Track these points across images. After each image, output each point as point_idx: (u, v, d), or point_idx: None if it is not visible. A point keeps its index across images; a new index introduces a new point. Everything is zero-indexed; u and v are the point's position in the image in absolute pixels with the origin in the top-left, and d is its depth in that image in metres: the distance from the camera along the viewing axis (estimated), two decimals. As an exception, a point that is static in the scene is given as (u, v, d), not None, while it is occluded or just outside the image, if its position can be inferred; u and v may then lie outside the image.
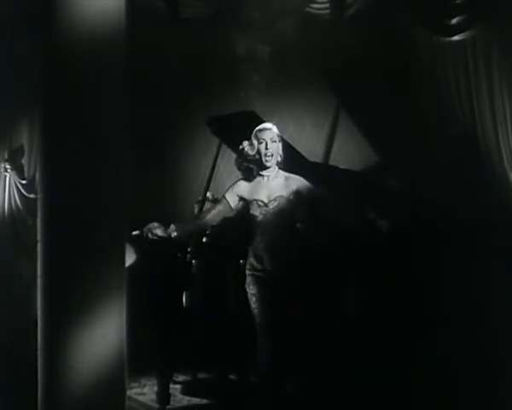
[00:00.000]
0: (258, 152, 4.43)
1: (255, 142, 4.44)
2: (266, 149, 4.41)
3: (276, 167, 4.47)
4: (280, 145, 4.47)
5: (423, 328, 4.93)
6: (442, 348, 4.95)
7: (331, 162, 6.13)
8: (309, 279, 4.35)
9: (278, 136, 4.47)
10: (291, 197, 4.40)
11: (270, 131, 4.44)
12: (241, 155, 4.49)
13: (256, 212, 4.43)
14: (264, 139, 4.42)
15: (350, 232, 4.84)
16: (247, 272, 4.42)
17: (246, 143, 4.47)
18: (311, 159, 5.11)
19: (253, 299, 4.39)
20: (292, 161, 4.58)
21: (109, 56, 3.67)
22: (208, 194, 5.61)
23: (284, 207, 4.38)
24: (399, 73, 5.86)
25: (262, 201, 4.42)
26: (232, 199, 4.50)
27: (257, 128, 4.46)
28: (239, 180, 4.55)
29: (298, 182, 4.45)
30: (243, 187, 4.51)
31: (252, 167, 4.50)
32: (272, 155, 4.42)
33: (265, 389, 4.37)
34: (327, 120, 6.27)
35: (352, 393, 4.61)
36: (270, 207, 4.41)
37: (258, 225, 4.44)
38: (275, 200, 4.42)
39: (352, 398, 4.59)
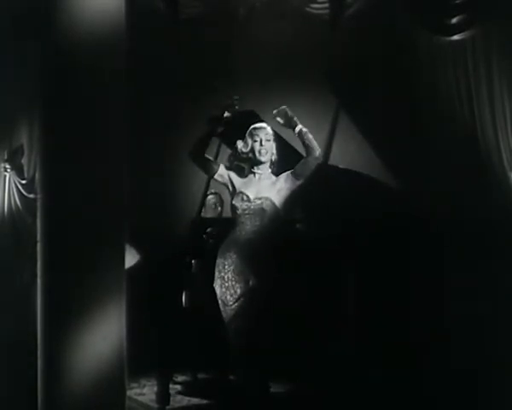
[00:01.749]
0: (252, 149, 4.50)
1: (249, 140, 4.51)
2: (261, 145, 4.48)
3: (269, 169, 4.52)
4: (274, 145, 4.53)
5: (422, 328, 4.93)
6: (441, 348, 4.94)
7: (331, 162, 6.13)
8: (275, 286, 4.38)
9: (273, 136, 4.52)
10: (275, 199, 4.44)
11: (264, 130, 4.52)
12: (235, 152, 4.55)
13: (238, 204, 4.49)
14: (258, 136, 4.49)
15: (345, 232, 4.85)
16: (216, 273, 4.46)
17: (241, 144, 4.52)
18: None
19: (219, 301, 4.43)
20: (292, 161, 4.59)
21: (109, 56, 3.67)
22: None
23: (267, 209, 4.43)
24: (399, 72, 5.85)
25: (247, 196, 4.48)
26: (222, 171, 4.56)
27: (252, 127, 4.54)
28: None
29: (285, 177, 4.48)
30: (236, 177, 4.58)
31: (243, 166, 4.56)
32: (267, 152, 4.49)
33: (240, 389, 4.42)
34: (327, 121, 6.25)
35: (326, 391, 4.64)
36: (253, 204, 4.45)
37: (235, 219, 4.50)
38: (260, 199, 4.46)
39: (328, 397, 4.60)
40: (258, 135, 4.49)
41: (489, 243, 5.15)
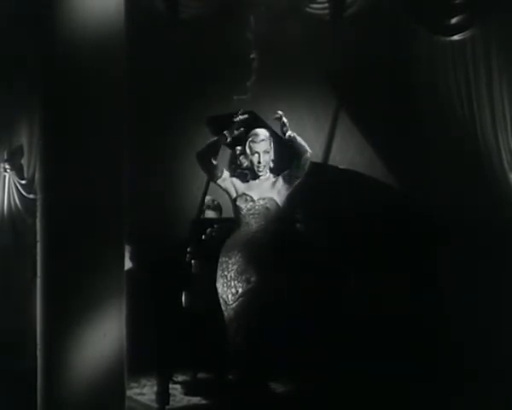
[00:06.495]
0: (251, 162, 4.59)
1: (248, 152, 4.58)
2: (259, 162, 4.57)
3: (268, 173, 4.63)
4: (272, 152, 4.59)
5: (422, 328, 4.93)
6: (440, 347, 4.95)
7: (331, 162, 6.14)
8: (275, 286, 4.39)
9: (271, 144, 4.59)
10: (277, 199, 4.51)
11: (264, 142, 4.58)
12: (235, 160, 4.63)
13: (242, 204, 4.58)
14: (257, 152, 4.57)
15: (345, 232, 4.85)
16: (219, 271, 4.48)
17: (240, 155, 4.57)
18: (311, 159, 5.10)
19: (221, 300, 4.45)
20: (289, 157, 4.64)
21: (109, 56, 3.67)
22: (208, 198, 5.68)
23: (271, 208, 4.49)
24: (399, 73, 5.86)
25: (251, 196, 4.56)
26: (226, 176, 4.60)
27: (250, 139, 4.61)
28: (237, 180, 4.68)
29: (282, 178, 4.55)
30: (239, 182, 4.64)
31: (246, 173, 4.66)
32: (265, 166, 4.58)
33: (240, 388, 4.45)
34: (327, 121, 6.26)
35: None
36: (257, 204, 4.54)
37: (239, 220, 4.57)
38: (264, 199, 4.56)
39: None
40: (256, 150, 4.55)
41: (489, 242, 5.16)
